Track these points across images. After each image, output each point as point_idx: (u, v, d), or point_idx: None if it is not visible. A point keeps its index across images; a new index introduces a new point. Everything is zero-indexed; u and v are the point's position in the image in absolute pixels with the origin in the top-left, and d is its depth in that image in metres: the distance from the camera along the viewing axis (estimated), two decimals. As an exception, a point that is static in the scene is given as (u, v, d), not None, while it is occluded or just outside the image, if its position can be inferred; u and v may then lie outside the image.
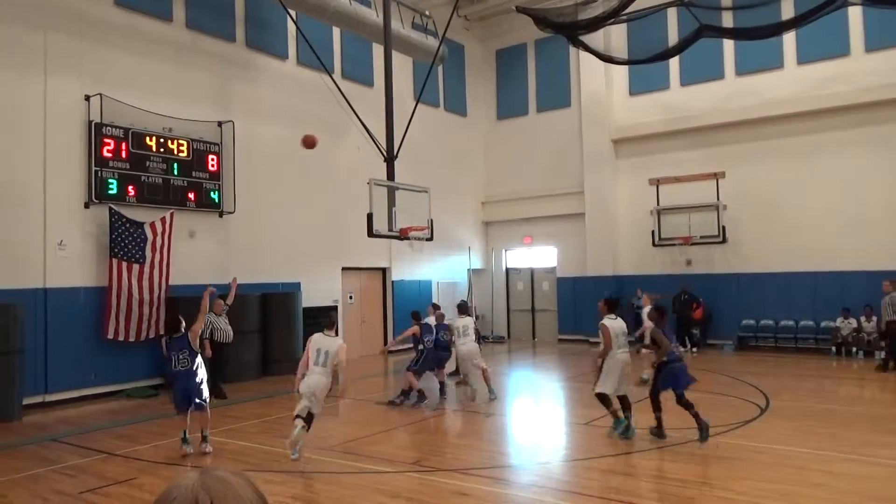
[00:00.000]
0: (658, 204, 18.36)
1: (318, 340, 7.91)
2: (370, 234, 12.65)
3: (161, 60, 13.19)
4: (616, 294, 17.37)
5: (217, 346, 11.61)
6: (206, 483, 1.14)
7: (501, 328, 21.64)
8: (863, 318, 15.50)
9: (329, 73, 15.17)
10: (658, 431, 8.22)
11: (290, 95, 15.75)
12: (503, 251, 22.06)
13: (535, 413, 10.95)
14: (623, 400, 8.42)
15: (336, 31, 16.74)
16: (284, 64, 15.85)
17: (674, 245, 18.11)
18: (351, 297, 17.37)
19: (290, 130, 15.66)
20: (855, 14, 15.89)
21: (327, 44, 16.52)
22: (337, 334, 8.18)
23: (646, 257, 18.98)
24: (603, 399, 8.41)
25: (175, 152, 13.08)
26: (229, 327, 11.99)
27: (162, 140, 12.89)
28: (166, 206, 12.86)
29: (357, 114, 14.43)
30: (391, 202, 13.40)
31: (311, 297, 15.49)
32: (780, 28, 15.07)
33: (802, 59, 16.95)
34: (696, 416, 7.85)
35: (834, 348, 15.83)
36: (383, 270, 18.35)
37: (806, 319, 16.65)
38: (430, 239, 14.22)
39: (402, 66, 17.97)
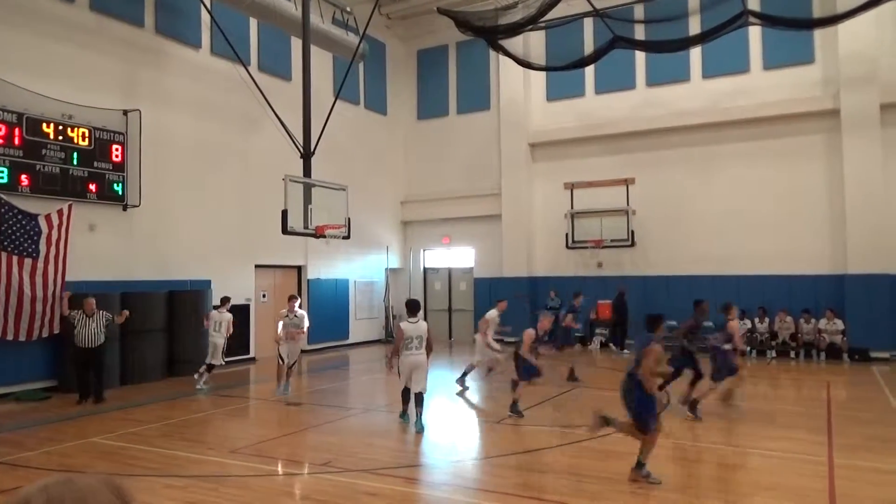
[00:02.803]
0: (572, 207, 18.89)
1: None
2: (285, 231, 12.38)
3: (62, 43, 12.39)
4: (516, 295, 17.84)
5: (77, 349, 10.69)
6: (47, 486, 1.08)
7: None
8: (756, 320, 16.51)
9: (245, 64, 14.73)
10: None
11: (202, 86, 15.17)
12: (421, 251, 22.10)
13: (449, 412, 11.00)
14: None
15: (253, 23, 16.28)
16: (197, 53, 15.25)
17: (586, 248, 18.69)
18: (264, 296, 16.91)
19: (202, 122, 15.12)
20: (755, 34, 16.89)
21: (243, 35, 16.04)
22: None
23: (559, 259, 19.50)
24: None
25: (75, 140, 12.32)
26: (100, 331, 10.83)
27: (61, 127, 12.11)
28: (64, 197, 12.09)
29: (273, 108, 14.08)
30: (307, 199, 13.15)
31: (222, 295, 14.95)
32: (686, 43, 15.84)
33: (707, 73, 17.88)
34: None
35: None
36: (299, 268, 17.97)
37: (706, 321, 17.51)
38: (348, 237, 14.06)
39: (322, 62, 17.69)
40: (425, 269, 22.14)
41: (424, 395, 8.98)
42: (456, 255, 21.62)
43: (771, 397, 11.98)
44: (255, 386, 13.46)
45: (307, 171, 13.81)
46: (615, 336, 17.82)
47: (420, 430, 8.67)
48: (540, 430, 8.93)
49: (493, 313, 12.50)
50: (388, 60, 21.69)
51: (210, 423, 9.73)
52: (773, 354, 16.05)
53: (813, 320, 15.86)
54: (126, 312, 11.51)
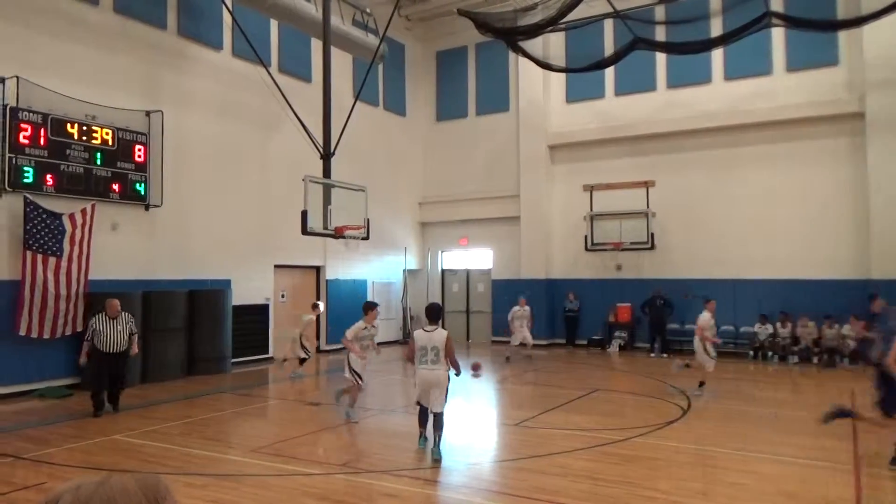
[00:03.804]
0: (591, 210, 18.79)
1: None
2: (304, 231, 12.43)
3: (86, 45, 12.57)
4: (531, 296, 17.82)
5: (99, 353, 9.74)
6: (80, 485, 1.09)
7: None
8: (778, 325, 16.31)
9: (265, 66, 14.83)
10: None
11: (223, 87, 15.31)
12: (439, 252, 22.10)
13: (467, 414, 10.99)
14: None
15: (274, 24, 16.39)
16: (219, 54, 15.39)
17: (605, 250, 18.58)
18: (283, 296, 17.01)
19: (224, 123, 15.26)
20: (778, 35, 16.69)
21: (264, 36, 16.15)
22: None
23: (578, 262, 19.40)
24: None
25: (99, 141, 12.48)
26: (123, 335, 9.89)
27: (84, 127, 12.27)
28: (88, 196, 12.25)
29: (294, 109, 14.16)
30: (327, 200, 13.21)
31: (242, 295, 15.11)
32: (708, 45, 15.69)
33: (729, 75, 17.70)
34: None
35: (752, 352, 16.59)
36: (317, 269, 18.06)
37: (726, 325, 17.34)
38: (367, 238, 14.10)
39: (342, 63, 17.77)
40: (443, 271, 22.14)
41: (443, 417, 7.67)
42: (474, 257, 21.59)
43: (793, 403, 11.82)
44: (274, 385, 13.52)
45: (327, 173, 13.87)
46: (653, 339, 17.55)
47: (437, 458, 7.38)
48: (559, 432, 8.89)
49: (705, 316, 11.87)
50: (408, 62, 21.73)
51: (230, 422, 9.81)
52: (796, 360, 15.83)
53: (836, 325, 15.63)
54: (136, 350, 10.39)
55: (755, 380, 13.98)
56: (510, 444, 8.57)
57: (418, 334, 7.76)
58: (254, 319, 15.66)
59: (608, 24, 18.25)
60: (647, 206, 17.99)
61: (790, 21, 14.51)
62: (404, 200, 21.42)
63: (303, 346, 13.86)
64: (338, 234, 13.08)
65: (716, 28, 16.24)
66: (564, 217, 19.79)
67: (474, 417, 10.52)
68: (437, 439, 7.58)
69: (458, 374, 7.80)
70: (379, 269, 20.04)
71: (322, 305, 15.24)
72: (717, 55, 17.54)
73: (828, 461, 7.43)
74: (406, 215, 21.53)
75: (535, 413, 10.06)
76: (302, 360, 13.84)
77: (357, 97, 15.79)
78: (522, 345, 16.20)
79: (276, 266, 16.55)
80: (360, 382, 9.44)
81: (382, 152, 20.18)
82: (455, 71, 21.80)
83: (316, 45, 16.25)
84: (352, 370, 9.43)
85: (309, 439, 8.59)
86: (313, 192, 12.93)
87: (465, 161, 21.41)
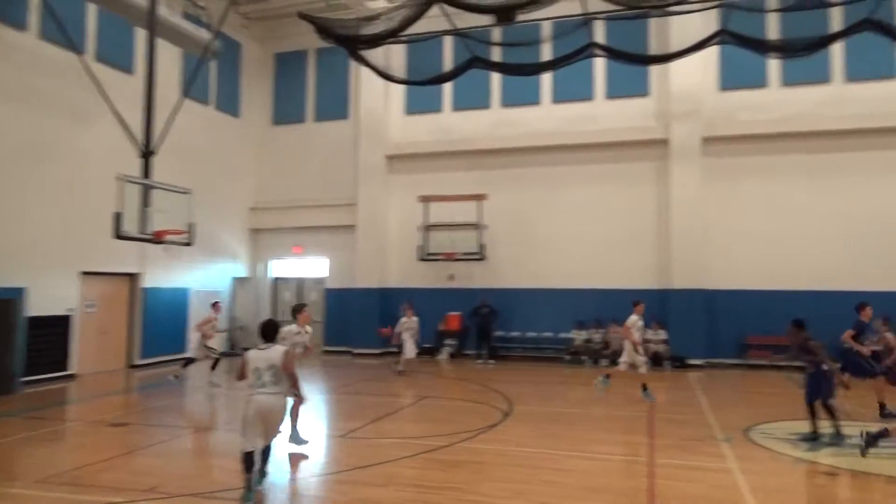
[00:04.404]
0: (426, 220, 19.15)
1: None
2: (117, 235, 11.42)
3: None
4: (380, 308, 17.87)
5: None
6: None
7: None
8: (592, 330, 17.66)
9: (79, 52, 13.49)
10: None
11: (28, 73, 13.69)
12: (271, 260, 21.35)
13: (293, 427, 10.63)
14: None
15: (91, 7, 14.95)
16: (22, 36, 13.73)
17: (438, 260, 19.00)
18: (90, 306, 15.43)
19: (28, 113, 13.64)
20: (599, 65, 18.15)
21: (79, 20, 14.69)
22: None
23: (412, 271, 19.66)
24: None
25: None
26: None
27: None
28: None
29: (112, 102, 13.00)
30: (146, 202, 12.25)
31: (39, 305, 13.48)
32: (538, 68, 16.69)
33: (557, 98, 18.94)
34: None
35: (568, 356, 17.80)
36: (133, 276, 16.63)
37: (547, 331, 18.51)
38: (190, 244, 13.25)
39: (169, 56, 16.66)
40: (275, 279, 21.41)
41: (272, 449, 6.75)
42: (307, 265, 21.11)
43: (602, 403, 12.76)
44: (75, 406, 12.18)
45: (146, 172, 12.87)
46: (480, 346, 18.14)
47: (261, 480, 6.57)
48: (386, 441, 8.87)
49: (632, 318, 12.31)
50: (244, 61, 20.86)
51: (15, 450, 8.65)
52: (606, 363, 17.16)
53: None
54: None
55: (569, 382, 14.96)
56: (336, 457, 8.41)
57: (251, 354, 6.65)
58: (52, 332, 14.02)
59: (448, 41, 18.78)
60: (480, 219, 18.68)
61: (609, 52, 15.84)
62: (235, 205, 20.47)
63: (207, 347, 13.81)
64: (157, 238, 12.17)
65: (546, 53, 17.35)
66: (400, 227, 20.00)
67: (300, 430, 10.20)
68: (263, 474, 6.61)
69: (299, 399, 6.76)
70: (204, 277, 18.91)
71: (221, 304, 14.74)
72: (547, 79, 18.72)
73: (629, 455, 8.09)
74: (236, 221, 20.57)
75: (363, 423, 9.97)
76: (215, 362, 13.87)
77: (185, 93, 14.84)
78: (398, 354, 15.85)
79: (83, 273, 14.98)
80: (302, 396, 8.22)
81: (212, 153, 19.14)
82: (294, 74, 21.28)
83: (141, 35, 15.06)
84: None
85: (111, 465, 7.81)
86: (130, 193, 11.96)
87: (302, 167, 20.94)
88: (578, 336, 17.84)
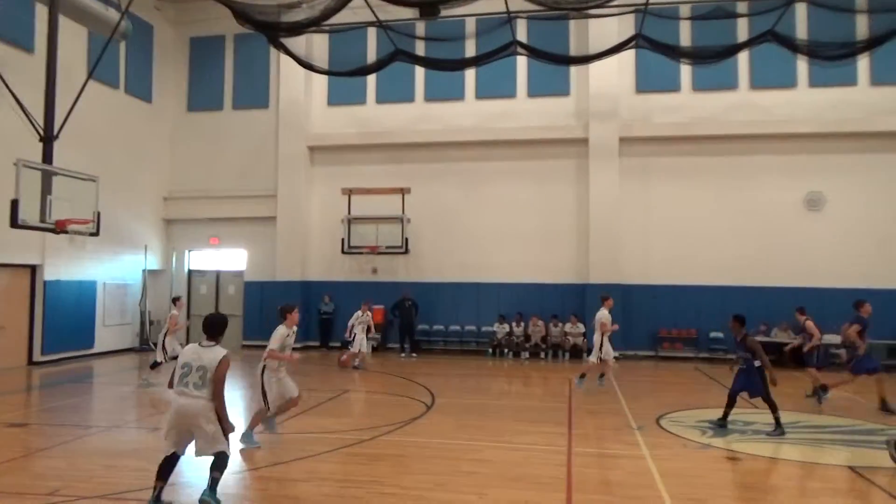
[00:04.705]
0: (349, 213, 18.94)
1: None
2: (14, 224, 10.67)
3: None
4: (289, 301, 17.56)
5: None
6: None
7: (180, 334, 20.00)
8: (514, 324, 17.98)
9: (-31, 26, 12.51)
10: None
11: None
12: (186, 252, 20.55)
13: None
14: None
15: (-16, -22, 13.89)
16: None
17: (361, 253, 18.84)
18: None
19: None
20: (522, 63, 18.44)
21: (-31, -10, 13.62)
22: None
23: (334, 264, 19.42)
24: None
25: None
26: None
27: None
28: None
29: (7, 83, 12.13)
30: (47, 189, 11.53)
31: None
32: (461, 64, 16.79)
33: (480, 94, 19.12)
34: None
35: (490, 349, 18.06)
36: (33, 268, 15.61)
37: (470, 324, 18.72)
38: (96, 234, 12.57)
39: (74, 36, 15.70)
40: (190, 272, 20.62)
41: (226, 457, 5.89)
42: (225, 258, 20.45)
43: (523, 394, 13.05)
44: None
45: (48, 158, 12.10)
46: (402, 339, 18.12)
47: (208, 493, 5.79)
48: (307, 436, 8.71)
49: (603, 312, 12.52)
50: (156, 45, 19.93)
51: None
52: (527, 355, 17.57)
53: (560, 324, 17.69)
54: None
55: (492, 375, 15.19)
56: (254, 453, 8.18)
57: (188, 349, 5.96)
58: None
59: (371, 33, 18.60)
60: (403, 212, 18.64)
61: (531, 51, 16.13)
62: (147, 194, 19.56)
63: (163, 348, 12.65)
64: (59, 228, 11.46)
65: (470, 49, 17.47)
66: (322, 219, 19.70)
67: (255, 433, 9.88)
68: (211, 482, 5.79)
69: (222, 420, 5.74)
70: (113, 269, 17.98)
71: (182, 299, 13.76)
72: (471, 75, 18.86)
73: (548, 445, 8.29)
74: (148, 211, 19.66)
75: (282, 419, 9.75)
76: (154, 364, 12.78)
77: (90, 75, 14.02)
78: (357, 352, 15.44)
79: (-24, 264, 13.96)
80: (267, 405, 8.11)
81: (121, 140, 18.19)
82: (210, 60, 20.52)
83: (42, 12, 14.10)
84: (263, 390, 8.10)
85: (10, 468, 7.30)
86: (30, 180, 11.21)
87: (219, 156, 20.25)
88: (500, 329, 18.12)
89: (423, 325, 18.74)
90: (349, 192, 18.92)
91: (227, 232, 20.16)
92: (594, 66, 17.33)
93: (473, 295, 18.46)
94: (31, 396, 12.30)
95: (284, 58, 17.46)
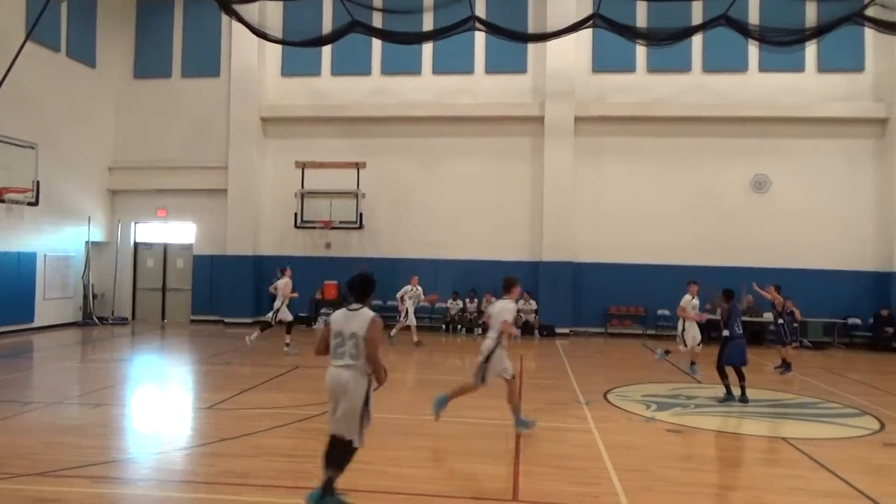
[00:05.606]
0: (303, 187, 18.64)
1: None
2: (-54, 190, 10.15)
3: None
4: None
5: None
6: None
7: (125, 308, 19.56)
8: (467, 300, 18.09)
9: None
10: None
11: None
12: (132, 223, 19.95)
13: (157, 400, 10.10)
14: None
15: None
16: None
17: (315, 228, 18.61)
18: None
19: None
20: (480, 39, 18.31)
21: None
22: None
23: (287, 238, 19.15)
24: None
25: None
26: None
27: None
28: None
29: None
30: (-19, 155, 10.97)
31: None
32: (419, 38, 16.61)
33: (437, 69, 18.95)
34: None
35: (444, 325, 18.16)
36: (-32, 239, 14.92)
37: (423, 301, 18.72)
38: (35, 204, 12.06)
39: (10, -7, 14.87)
40: (136, 244, 20.05)
41: (351, 452, 5.46)
42: (173, 230, 19.92)
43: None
44: None
45: (-18, 121, 11.51)
46: None
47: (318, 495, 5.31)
48: (256, 412, 8.63)
49: (686, 297, 11.92)
50: (100, 7, 19.08)
51: None
52: (480, 332, 17.69)
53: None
54: None
55: (445, 351, 15.29)
56: (202, 429, 8.07)
57: (334, 316, 5.35)
58: None
59: (328, 2, 18.20)
60: (358, 187, 18.45)
61: (489, 27, 16.05)
62: (90, 164, 18.84)
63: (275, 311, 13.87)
64: (-4, 196, 10.95)
65: (428, 23, 17.24)
66: (275, 193, 19.35)
67: (164, 403, 9.71)
68: (327, 481, 5.33)
69: (379, 381, 5.31)
70: (55, 240, 17.30)
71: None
72: (427, 49, 18.65)
73: (498, 419, 8.40)
74: (91, 181, 18.95)
75: (231, 394, 9.64)
76: (265, 326, 14.00)
77: (28, 36, 13.34)
78: (408, 327, 15.11)
79: None
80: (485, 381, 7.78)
81: (63, 106, 17.40)
82: (158, 25, 19.76)
83: (-27, -34, 13.33)
84: (485, 367, 7.75)
85: (-59, 443, 7.02)
86: (-38, 144, 10.64)
87: (167, 125, 19.61)
88: (454, 306, 18.21)
89: (378, 300, 18.66)
90: (303, 166, 18.60)
91: (175, 204, 19.63)
92: (552, 45, 17.35)
93: (428, 271, 18.46)
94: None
95: (237, 25, 16.97)
